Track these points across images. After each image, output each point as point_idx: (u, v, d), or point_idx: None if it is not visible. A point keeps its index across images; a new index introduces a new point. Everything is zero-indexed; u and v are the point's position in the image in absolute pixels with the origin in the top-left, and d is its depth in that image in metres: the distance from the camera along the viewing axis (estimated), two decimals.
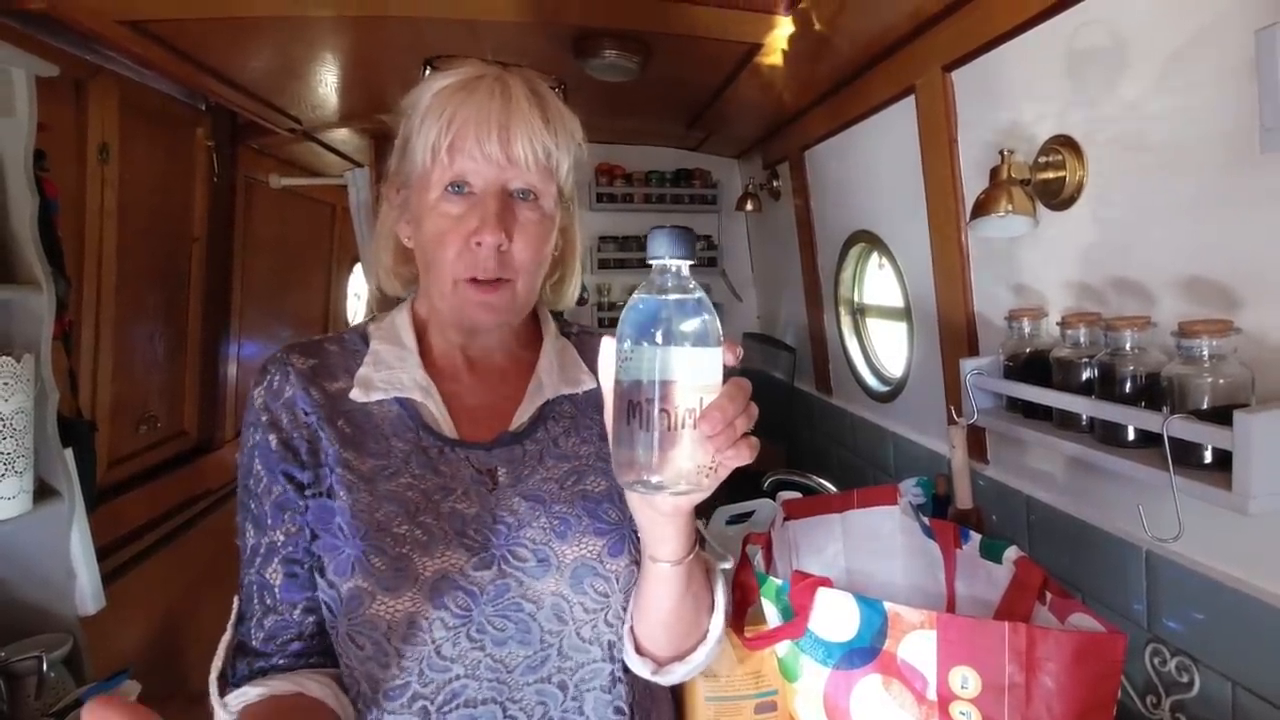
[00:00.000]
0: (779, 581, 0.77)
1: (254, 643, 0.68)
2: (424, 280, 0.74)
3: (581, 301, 2.81)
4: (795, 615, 0.75)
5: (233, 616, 0.70)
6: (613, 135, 2.67)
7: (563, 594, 0.68)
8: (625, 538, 0.70)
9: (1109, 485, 1.08)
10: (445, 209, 0.68)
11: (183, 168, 2.02)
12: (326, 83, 1.90)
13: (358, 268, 3.64)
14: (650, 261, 0.53)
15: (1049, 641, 0.65)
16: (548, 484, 0.72)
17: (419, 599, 0.64)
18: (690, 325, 0.52)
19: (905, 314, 1.68)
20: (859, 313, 2.06)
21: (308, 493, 0.69)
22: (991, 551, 0.87)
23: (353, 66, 1.78)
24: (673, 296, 0.53)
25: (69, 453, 1.41)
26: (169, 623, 2.06)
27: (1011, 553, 0.85)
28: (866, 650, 0.71)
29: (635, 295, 0.54)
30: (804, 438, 2.43)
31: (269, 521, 0.69)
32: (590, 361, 0.80)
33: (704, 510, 1.01)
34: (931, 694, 0.69)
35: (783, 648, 0.77)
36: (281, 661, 0.67)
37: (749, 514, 1.36)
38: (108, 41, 1.43)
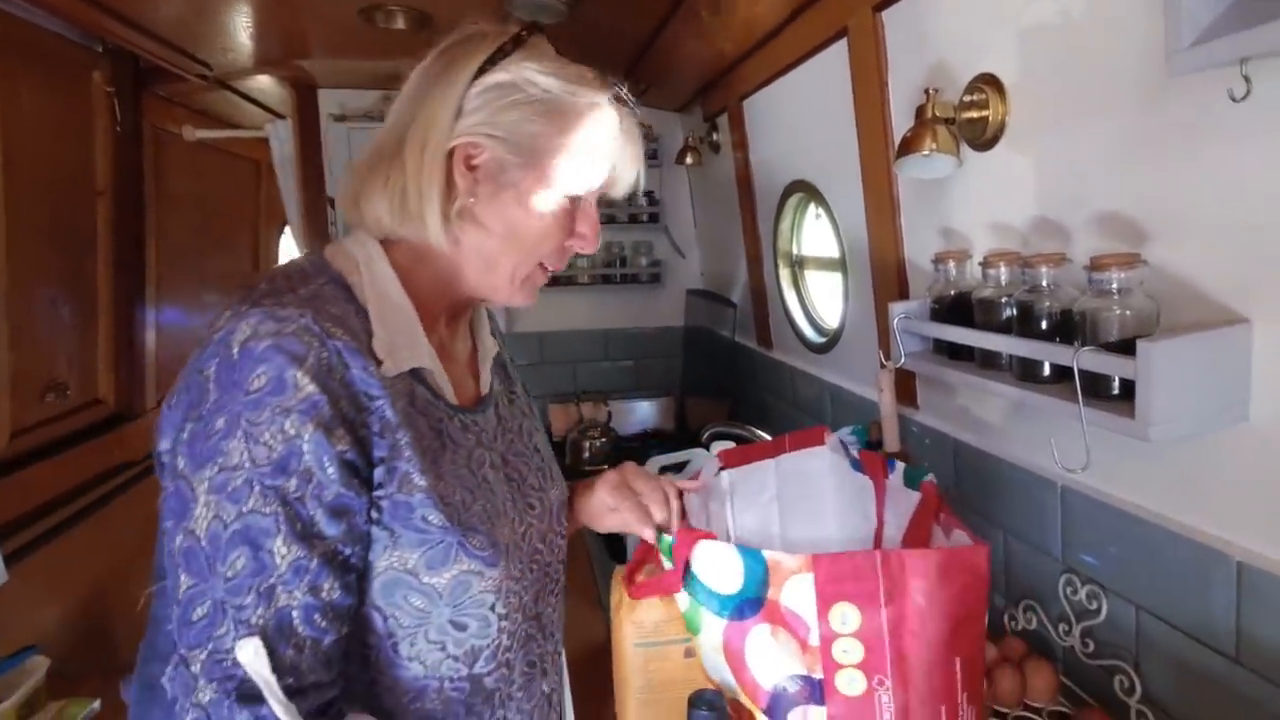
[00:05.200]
0: (670, 537, 0.78)
1: (312, 677, 0.58)
2: (449, 254, 0.70)
3: None
4: (676, 565, 0.76)
5: (236, 658, 0.55)
6: None
7: (558, 532, 0.80)
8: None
9: (1029, 423, 1.11)
10: (563, 206, 0.71)
11: (79, 116, 1.87)
12: (238, 23, 1.77)
13: (289, 230, 3.49)
14: None
15: (916, 561, 0.68)
16: (520, 440, 0.81)
17: (510, 564, 0.69)
18: None
19: (841, 264, 1.69)
20: (797, 265, 2.06)
21: (380, 491, 0.62)
22: (911, 479, 0.90)
23: (267, 6, 1.66)
24: None
25: None
26: (93, 600, 1.97)
27: (925, 478, 0.88)
28: (754, 601, 0.73)
29: None
30: (746, 392, 2.45)
31: (322, 529, 0.58)
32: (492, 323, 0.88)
33: (639, 459, 1.01)
34: (814, 639, 0.71)
35: (684, 601, 0.78)
36: (339, 689, 0.61)
37: (684, 464, 1.36)
38: None
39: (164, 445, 0.60)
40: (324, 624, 0.58)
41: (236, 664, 0.54)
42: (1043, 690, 1.03)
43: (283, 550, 0.56)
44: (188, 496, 0.57)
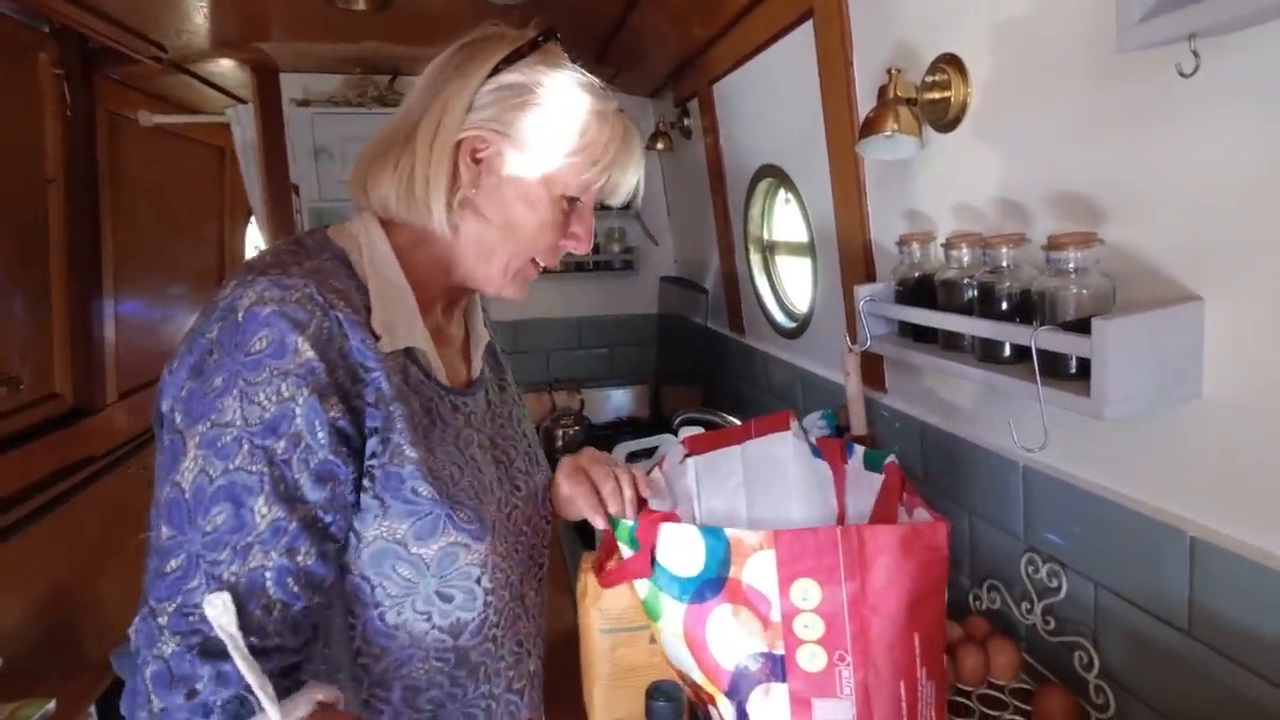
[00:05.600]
0: (629, 523, 0.78)
1: (278, 639, 0.58)
2: (449, 241, 0.73)
3: None
4: (640, 549, 0.76)
5: (204, 613, 0.54)
6: None
7: (543, 516, 0.84)
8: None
9: (992, 405, 1.11)
10: (561, 206, 0.74)
11: (26, 99, 1.81)
12: (192, 3, 1.71)
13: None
14: None
15: (876, 537, 0.69)
16: (509, 425, 0.84)
17: (496, 541, 0.72)
18: None
19: (810, 248, 1.68)
20: (768, 250, 2.06)
21: (373, 461, 0.64)
22: (873, 462, 0.89)
23: None
24: None
25: None
26: (54, 598, 1.93)
27: (887, 459, 0.88)
28: (715, 581, 0.73)
29: None
30: (720, 379, 2.45)
31: (305, 493, 0.59)
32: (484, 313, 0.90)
33: (605, 446, 1.00)
34: (775, 615, 0.71)
35: (643, 588, 0.77)
36: (304, 658, 0.62)
37: (652, 449, 1.35)
38: None
39: (164, 405, 0.62)
40: (296, 589, 0.59)
41: (203, 619, 0.54)
42: (1005, 668, 1.04)
43: (264, 510, 0.57)
44: (179, 450, 0.59)
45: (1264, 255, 0.68)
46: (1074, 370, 0.82)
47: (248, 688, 0.53)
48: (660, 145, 2.37)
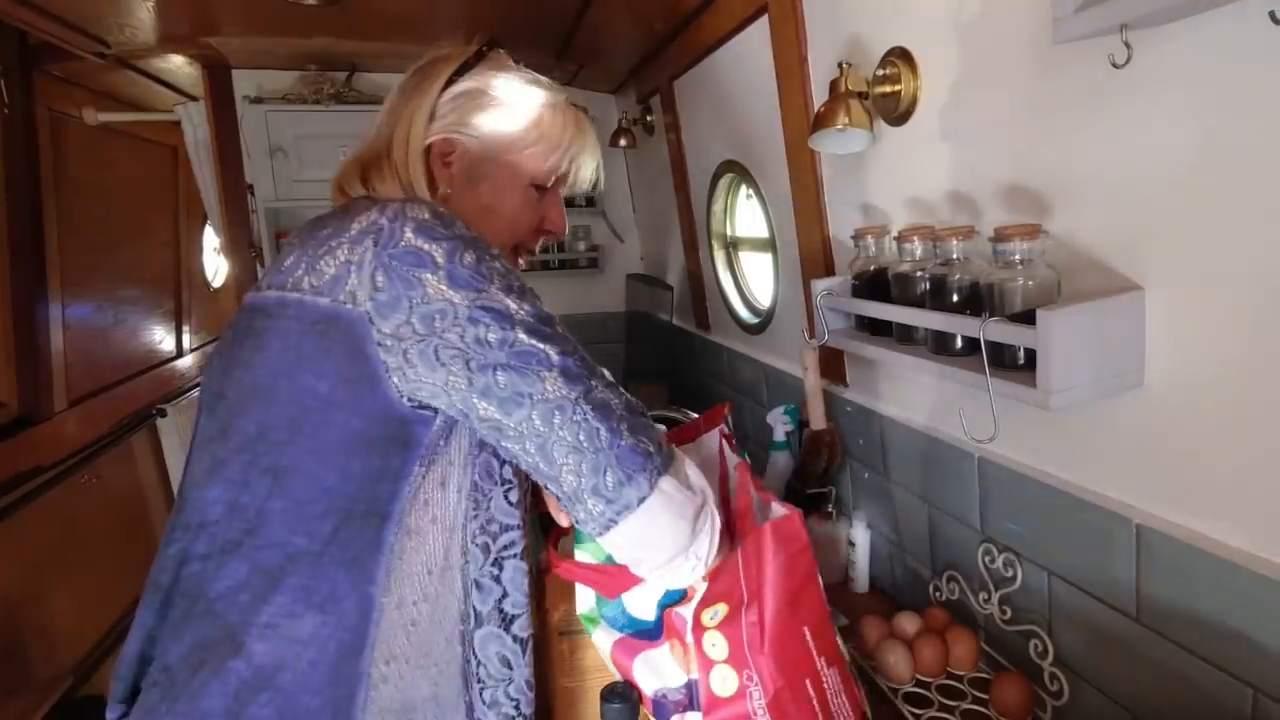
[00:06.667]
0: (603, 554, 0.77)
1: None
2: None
3: None
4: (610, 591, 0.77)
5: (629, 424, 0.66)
6: None
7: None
8: None
9: (947, 397, 1.12)
10: (530, 195, 0.83)
11: None
12: None
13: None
14: None
15: (749, 547, 0.71)
16: None
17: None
18: None
19: (770, 244, 1.68)
20: (732, 246, 2.05)
21: None
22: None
23: None
24: None
25: None
26: (5, 613, 1.86)
27: (741, 459, 0.89)
28: (659, 627, 0.75)
29: None
30: (686, 375, 2.44)
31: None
32: None
33: None
34: (689, 636, 0.72)
35: (586, 602, 0.77)
36: None
37: None
38: None
39: (387, 328, 0.62)
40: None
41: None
42: (964, 658, 1.05)
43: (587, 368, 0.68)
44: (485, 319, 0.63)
45: (1198, 244, 0.69)
46: (1022, 361, 0.82)
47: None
48: (624, 142, 2.36)
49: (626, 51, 2.12)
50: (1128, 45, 0.60)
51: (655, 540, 0.65)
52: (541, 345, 0.62)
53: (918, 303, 1.00)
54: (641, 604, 0.76)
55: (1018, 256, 0.81)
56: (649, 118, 2.28)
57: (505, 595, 0.69)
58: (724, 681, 0.69)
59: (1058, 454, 0.92)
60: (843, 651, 0.75)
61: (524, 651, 0.71)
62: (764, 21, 1.37)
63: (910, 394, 1.23)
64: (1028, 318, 0.78)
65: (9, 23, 1.68)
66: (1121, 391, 0.78)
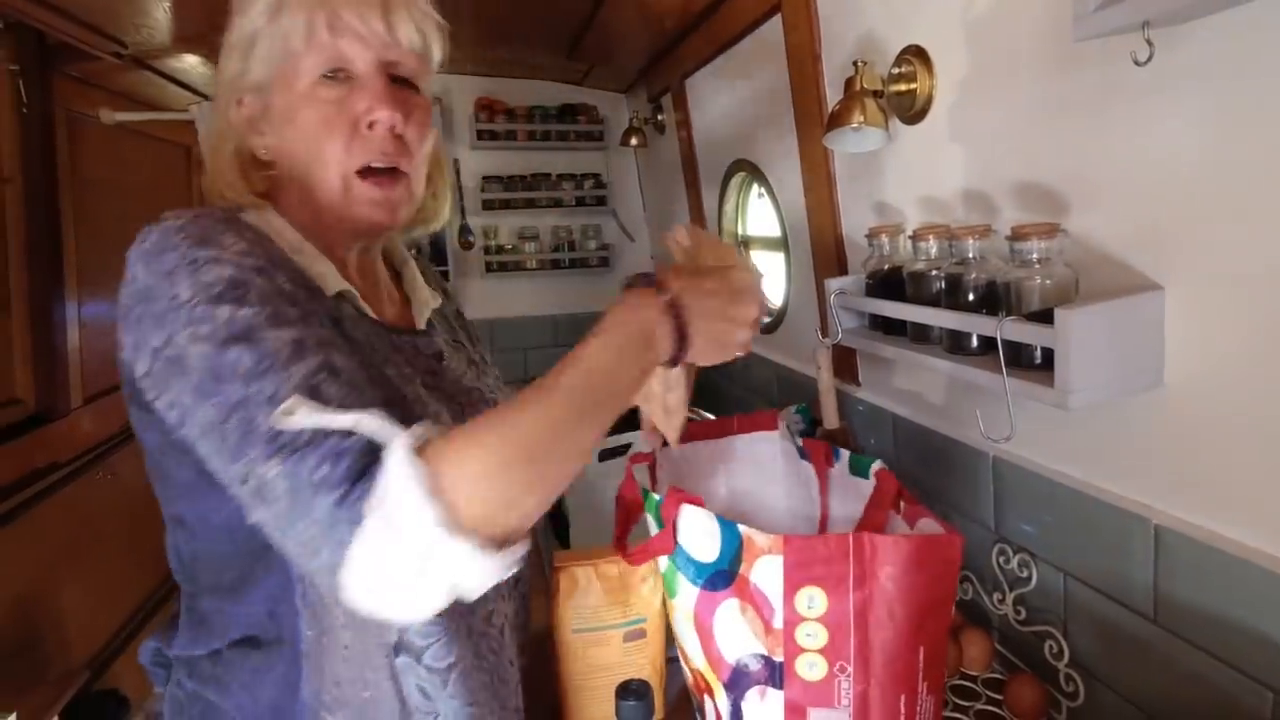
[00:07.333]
0: (658, 496, 0.75)
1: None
2: (302, 190, 0.69)
3: (468, 245, 2.69)
4: (664, 526, 0.74)
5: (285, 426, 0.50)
6: (489, 67, 2.51)
7: None
8: None
9: (962, 397, 1.12)
10: (325, 95, 0.66)
11: None
12: None
13: None
14: None
15: (888, 547, 0.66)
16: (469, 369, 0.81)
17: None
18: None
19: (782, 243, 1.68)
20: (743, 245, 2.05)
21: None
22: (859, 467, 0.88)
23: None
24: None
25: None
26: (17, 609, 1.88)
27: (875, 466, 0.86)
28: (726, 573, 0.71)
29: None
30: (698, 376, 2.44)
31: (296, 316, 0.56)
32: (432, 278, 0.87)
33: None
34: (778, 622, 0.69)
35: (664, 563, 0.77)
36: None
37: (625, 446, 1.34)
38: None
39: (138, 370, 0.59)
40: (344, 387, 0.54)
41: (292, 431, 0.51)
42: (978, 659, 1.04)
43: (267, 337, 0.54)
44: (167, 372, 0.56)
45: (1219, 243, 0.68)
46: (1039, 361, 0.82)
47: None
48: (635, 141, 2.36)
49: (638, 50, 2.12)
50: (1150, 43, 0.59)
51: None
52: None
53: (933, 302, 1.00)
54: (696, 544, 0.73)
55: (1035, 255, 0.81)
56: (660, 116, 2.28)
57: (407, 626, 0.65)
58: (811, 667, 0.68)
59: (1075, 454, 0.91)
60: (945, 688, 0.72)
61: (444, 684, 0.67)
62: (777, 20, 1.37)
63: (922, 393, 1.23)
64: (1046, 317, 0.77)
65: (28, 23, 1.70)
66: (1140, 391, 0.77)
